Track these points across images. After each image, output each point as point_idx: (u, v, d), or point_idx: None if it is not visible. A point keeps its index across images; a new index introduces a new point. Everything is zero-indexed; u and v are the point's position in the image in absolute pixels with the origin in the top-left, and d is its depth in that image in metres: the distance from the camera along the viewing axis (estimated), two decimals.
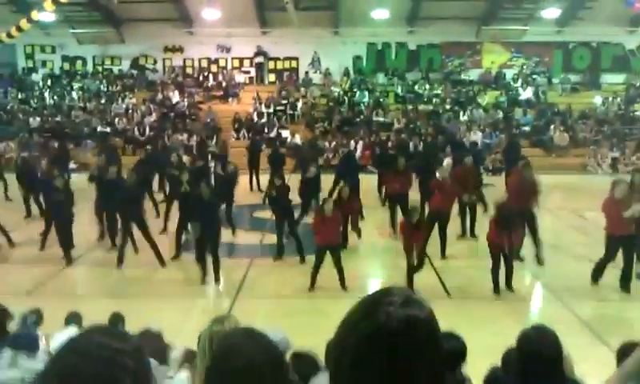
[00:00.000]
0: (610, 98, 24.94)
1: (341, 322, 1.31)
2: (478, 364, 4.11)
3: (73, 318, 6.12)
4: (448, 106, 24.56)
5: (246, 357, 1.63)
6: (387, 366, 1.20)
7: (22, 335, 4.07)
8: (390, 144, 19.30)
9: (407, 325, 1.21)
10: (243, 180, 13.79)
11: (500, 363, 4.13)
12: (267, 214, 13.39)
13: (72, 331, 5.21)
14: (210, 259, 9.92)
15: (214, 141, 21.38)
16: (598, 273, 9.43)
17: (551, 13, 23.57)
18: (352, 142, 20.87)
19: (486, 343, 5.65)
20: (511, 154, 17.93)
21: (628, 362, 1.63)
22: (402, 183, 12.50)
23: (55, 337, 5.46)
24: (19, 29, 17.47)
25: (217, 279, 9.88)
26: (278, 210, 11.27)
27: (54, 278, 10.25)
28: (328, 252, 9.40)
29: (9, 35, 17.84)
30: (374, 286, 10.26)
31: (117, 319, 5.95)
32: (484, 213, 13.02)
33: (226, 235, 12.33)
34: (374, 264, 11.51)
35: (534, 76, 26.37)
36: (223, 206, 12.20)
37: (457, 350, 3.77)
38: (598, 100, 25.01)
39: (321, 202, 10.19)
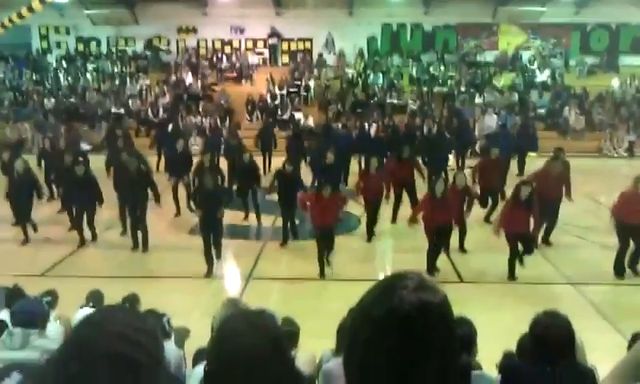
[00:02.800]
0: (628, 81, 24.58)
1: (354, 305, 1.31)
2: (490, 348, 4.11)
3: (93, 297, 6.18)
4: (463, 89, 24.35)
5: (244, 342, 1.63)
6: (400, 350, 1.20)
7: (26, 311, 4.05)
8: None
9: (420, 309, 1.20)
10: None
11: (515, 348, 4.13)
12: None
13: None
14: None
15: (227, 122, 21.40)
16: (620, 266, 9.36)
17: None
18: (365, 125, 20.74)
19: (498, 328, 5.65)
20: (524, 137, 17.76)
21: (628, 355, 1.62)
22: (407, 171, 12.32)
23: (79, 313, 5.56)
24: (30, 9, 17.44)
25: (209, 271, 9.66)
26: (281, 197, 11.14)
27: (68, 260, 10.34)
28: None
29: (19, 15, 17.81)
30: (388, 270, 10.28)
31: (133, 300, 6.01)
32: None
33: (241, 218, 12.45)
34: (389, 248, 11.47)
35: (551, 58, 26.04)
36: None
37: (467, 336, 3.76)
38: (615, 82, 24.65)
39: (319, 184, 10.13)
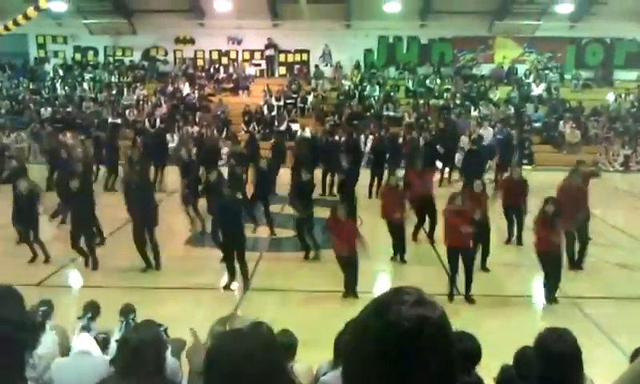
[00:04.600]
0: (623, 95, 24.73)
1: (353, 319, 1.31)
2: (488, 362, 4.10)
3: (90, 308, 6.14)
4: (458, 102, 24.44)
5: (242, 354, 1.63)
6: (398, 365, 1.20)
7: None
8: (400, 139, 19.07)
9: (418, 324, 1.21)
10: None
11: (512, 362, 4.11)
12: (277, 208, 13.41)
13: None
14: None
15: (224, 134, 21.42)
16: None
17: (564, 8, 23.40)
18: (362, 137, 20.78)
19: (496, 341, 5.64)
20: (521, 150, 17.83)
21: (629, 368, 1.62)
22: (424, 184, 11.80)
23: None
24: (26, 17, 17.44)
25: (246, 285, 9.55)
26: (300, 207, 10.95)
27: (64, 270, 10.27)
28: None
29: (15, 22, 17.79)
30: (387, 284, 10.26)
31: (128, 310, 5.98)
32: None
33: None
34: (388, 263, 11.38)
35: (546, 72, 26.19)
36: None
37: (471, 351, 3.74)
38: (610, 97, 24.80)
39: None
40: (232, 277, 9.48)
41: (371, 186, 15.63)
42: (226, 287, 9.47)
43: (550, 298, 8.92)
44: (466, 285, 8.85)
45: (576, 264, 10.34)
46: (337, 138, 18.14)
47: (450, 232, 8.82)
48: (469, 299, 8.82)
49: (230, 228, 9.40)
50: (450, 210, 8.87)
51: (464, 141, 20.78)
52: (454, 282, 8.86)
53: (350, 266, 8.94)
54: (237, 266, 9.44)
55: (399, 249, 10.69)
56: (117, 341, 3.36)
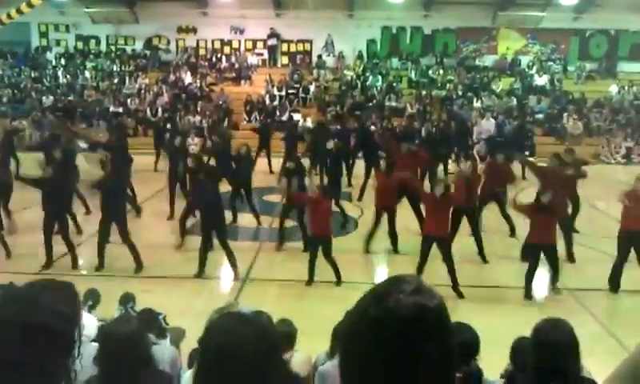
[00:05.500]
0: (626, 87, 24.62)
1: (351, 308, 1.31)
2: (484, 353, 4.10)
3: (90, 296, 6.16)
4: (461, 92, 24.35)
5: (235, 338, 1.63)
6: (395, 353, 1.20)
7: None
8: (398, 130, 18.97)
9: (416, 313, 1.20)
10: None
11: (509, 352, 4.12)
12: (277, 198, 13.41)
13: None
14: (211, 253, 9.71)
15: (225, 123, 21.41)
16: (615, 279, 9.02)
17: None
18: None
19: (493, 332, 5.65)
20: (518, 139, 17.73)
21: (626, 360, 1.62)
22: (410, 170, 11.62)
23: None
24: (29, 5, 17.38)
25: (235, 274, 9.54)
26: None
27: (64, 258, 10.26)
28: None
29: (18, 11, 17.74)
30: (385, 273, 10.27)
31: (127, 299, 6.01)
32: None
33: (243, 220, 12.39)
34: (386, 252, 11.40)
35: (550, 63, 26.08)
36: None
37: (470, 342, 3.74)
38: (613, 89, 24.70)
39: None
40: (202, 267, 9.44)
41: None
42: (197, 276, 9.41)
43: (553, 288, 8.99)
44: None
45: (567, 257, 10.32)
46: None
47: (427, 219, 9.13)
48: (456, 291, 8.72)
49: (209, 213, 9.45)
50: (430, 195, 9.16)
51: None
52: (421, 272, 8.72)
53: (324, 250, 9.00)
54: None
55: (392, 238, 10.74)
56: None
